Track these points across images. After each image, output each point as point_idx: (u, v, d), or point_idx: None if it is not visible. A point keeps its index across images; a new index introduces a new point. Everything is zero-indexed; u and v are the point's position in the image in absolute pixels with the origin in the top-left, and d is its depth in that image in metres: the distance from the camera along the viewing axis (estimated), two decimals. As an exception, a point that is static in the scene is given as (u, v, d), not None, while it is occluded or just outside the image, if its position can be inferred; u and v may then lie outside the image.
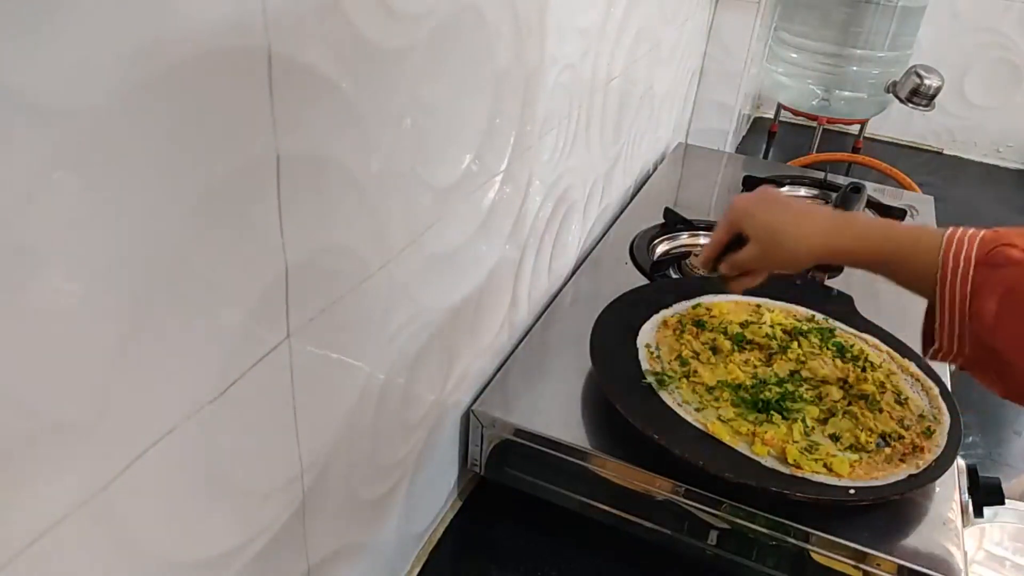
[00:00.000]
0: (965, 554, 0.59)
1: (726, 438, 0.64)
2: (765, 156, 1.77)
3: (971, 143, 1.92)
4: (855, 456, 0.63)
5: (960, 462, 0.67)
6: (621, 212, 1.12)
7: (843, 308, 0.85)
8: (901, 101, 1.34)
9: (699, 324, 0.78)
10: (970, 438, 0.95)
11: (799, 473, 0.61)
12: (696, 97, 1.54)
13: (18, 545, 0.27)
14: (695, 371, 0.71)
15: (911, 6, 1.35)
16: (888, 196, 1.25)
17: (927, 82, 1.30)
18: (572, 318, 0.85)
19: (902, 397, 0.70)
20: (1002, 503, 0.68)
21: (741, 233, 0.65)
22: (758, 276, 0.68)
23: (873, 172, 1.52)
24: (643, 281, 0.92)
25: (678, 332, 0.77)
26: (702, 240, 1.07)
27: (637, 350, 0.74)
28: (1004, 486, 0.68)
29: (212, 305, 0.34)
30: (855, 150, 1.65)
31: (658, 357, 0.74)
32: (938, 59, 1.51)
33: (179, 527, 0.35)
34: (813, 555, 0.61)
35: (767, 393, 0.69)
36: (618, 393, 0.67)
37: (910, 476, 0.62)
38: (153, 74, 0.27)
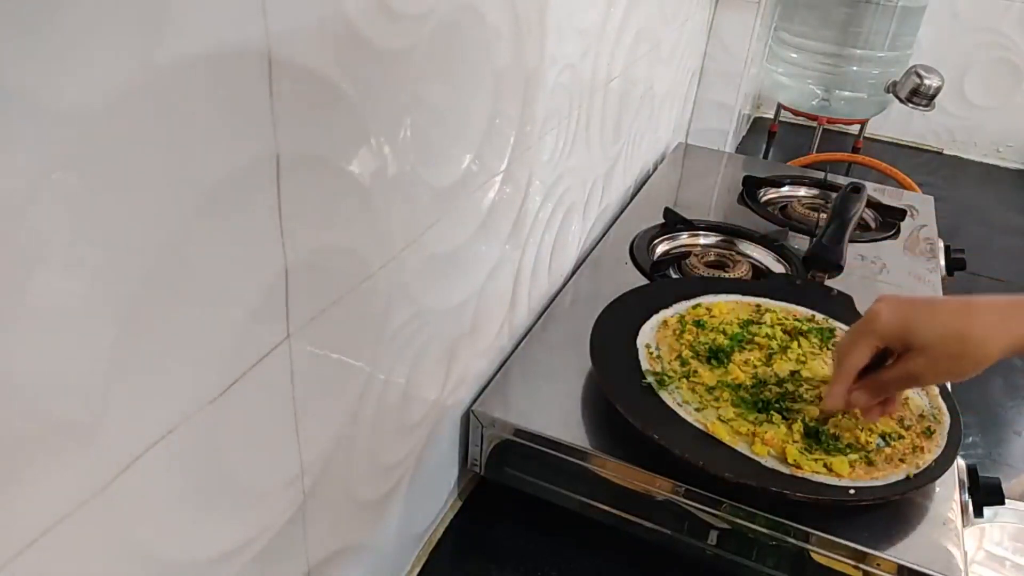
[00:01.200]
0: (965, 554, 0.59)
1: (726, 438, 0.64)
2: (765, 156, 1.77)
3: (971, 143, 1.92)
4: (855, 456, 0.63)
5: (960, 462, 0.67)
6: (621, 212, 1.12)
7: (843, 308, 0.85)
8: (901, 101, 1.34)
9: (699, 324, 0.78)
10: (970, 438, 0.95)
11: (799, 473, 0.61)
12: (696, 97, 1.54)
13: (18, 545, 0.27)
14: (695, 371, 0.71)
15: (911, 6, 1.35)
16: (888, 196, 1.25)
17: (927, 82, 1.30)
18: (572, 318, 0.85)
19: (902, 397, 0.70)
20: (1002, 503, 0.68)
21: (887, 348, 0.59)
22: (900, 398, 0.62)
23: (873, 172, 1.52)
24: (643, 281, 0.92)
25: (678, 332, 0.77)
26: (702, 240, 1.07)
27: (637, 350, 0.74)
28: (1004, 486, 0.68)
29: (212, 305, 0.34)
30: (855, 150, 1.65)
31: (658, 357, 0.74)
32: (938, 59, 1.51)
33: (179, 527, 0.35)
34: (813, 555, 0.61)
35: (767, 393, 0.69)
36: (618, 393, 0.67)
37: (910, 476, 0.62)
38: (153, 74, 0.27)
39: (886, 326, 0.58)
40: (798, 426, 0.65)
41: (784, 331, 0.79)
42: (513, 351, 0.79)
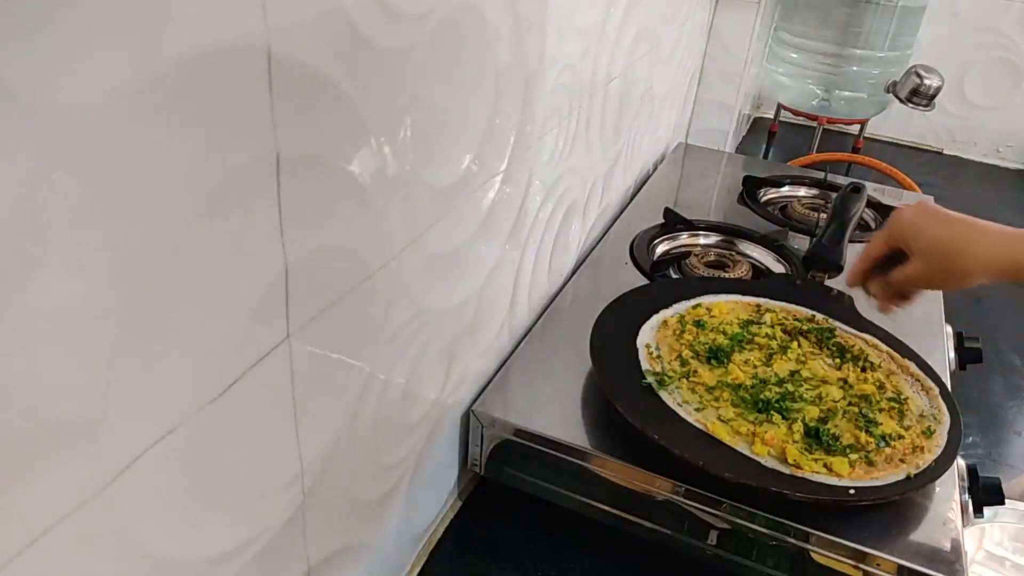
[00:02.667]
0: (965, 554, 0.59)
1: (726, 438, 0.64)
2: (765, 156, 1.77)
3: (971, 143, 1.92)
4: (855, 456, 0.63)
5: (960, 462, 0.67)
6: (621, 212, 1.12)
7: (843, 308, 0.85)
8: (901, 101, 1.34)
9: (699, 324, 0.78)
10: (970, 438, 0.95)
11: (799, 473, 0.61)
12: (696, 97, 1.54)
13: (18, 545, 0.27)
14: (695, 371, 0.71)
15: (911, 6, 1.35)
16: (888, 196, 1.25)
17: (927, 82, 1.30)
18: (572, 318, 0.85)
19: (902, 397, 0.70)
20: (1002, 503, 0.68)
21: (900, 250, 0.62)
22: (914, 296, 0.67)
23: (873, 172, 1.52)
24: (643, 281, 0.92)
25: (678, 332, 0.77)
26: (702, 240, 1.07)
27: (637, 350, 0.74)
28: (1004, 486, 0.68)
29: (212, 305, 0.34)
30: (855, 150, 1.65)
31: (658, 357, 0.74)
32: (938, 59, 1.51)
33: (179, 527, 0.35)
34: (813, 555, 0.61)
35: (767, 393, 0.69)
36: (618, 393, 0.67)
37: (910, 476, 0.62)
38: (153, 73, 0.27)
39: (897, 226, 0.63)
40: (798, 426, 0.65)
41: (784, 331, 0.79)
42: (513, 351, 0.79)
